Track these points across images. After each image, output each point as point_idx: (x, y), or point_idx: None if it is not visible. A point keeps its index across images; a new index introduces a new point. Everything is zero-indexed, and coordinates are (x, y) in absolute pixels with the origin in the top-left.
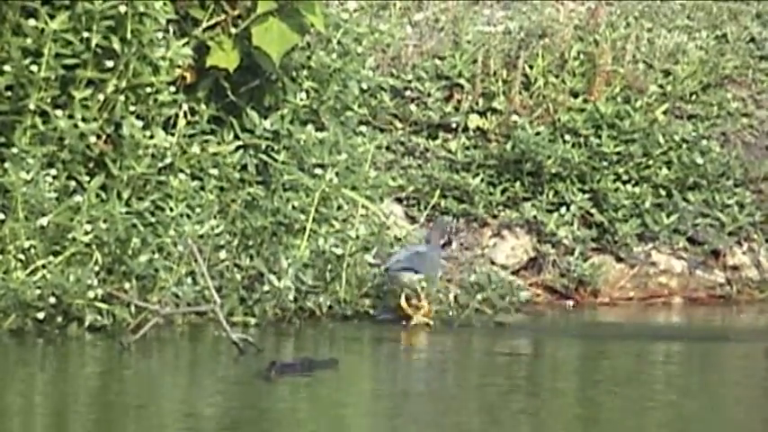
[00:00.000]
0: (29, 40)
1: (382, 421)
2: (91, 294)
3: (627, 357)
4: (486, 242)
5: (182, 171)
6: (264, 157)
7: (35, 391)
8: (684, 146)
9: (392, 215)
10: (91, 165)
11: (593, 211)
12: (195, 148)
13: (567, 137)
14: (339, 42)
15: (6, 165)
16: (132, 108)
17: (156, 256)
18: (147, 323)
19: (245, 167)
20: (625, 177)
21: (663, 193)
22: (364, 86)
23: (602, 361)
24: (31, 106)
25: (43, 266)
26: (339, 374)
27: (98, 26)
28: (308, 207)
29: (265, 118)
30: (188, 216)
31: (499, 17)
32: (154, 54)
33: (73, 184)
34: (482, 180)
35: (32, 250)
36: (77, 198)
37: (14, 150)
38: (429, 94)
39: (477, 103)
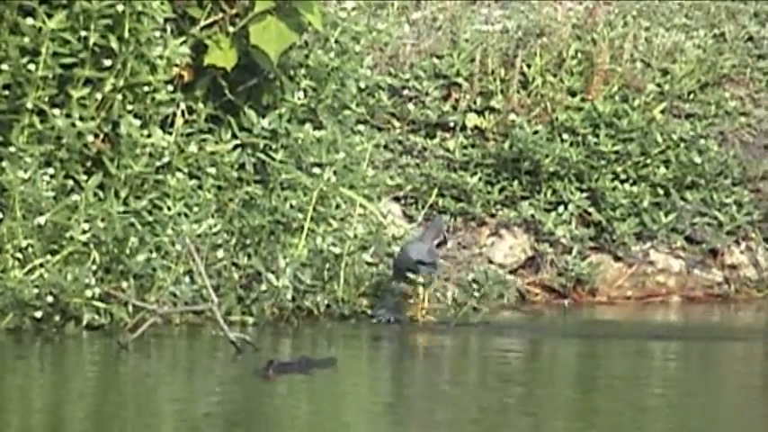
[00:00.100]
0: (26, 39)
1: (380, 420)
2: (88, 293)
3: (624, 356)
4: (484, 241)
5: (179, 170)
6: (262, 155)
7: (32, 389)
8: (682, 145)
9: (390, 214)
10: (88, 164)
11: (591, 210)
12: (193, 147)
13: (565, 136)
14: (337, 41)
15: (4, 164)
16: (130, 107)
17: (154, 255)
18: (145, 322)
19: (242, 166)
20: (623, 176)
21: (661, 192)
22: (362, 85)
23: (599, 360)
24: (29, 105)
25: (41, 265)
26: (337, 373)
27: (96, 25)
28: (306, 206)
29: (263, 117)
30: (186, 215)
31: (497, 16)
32: (151, 53)
33: (70, 182)
34: (480, 179)
35: (30, 249)
36: (75, 197)
37: (12, 149)
38: (427, 93)
39: (474, 102)
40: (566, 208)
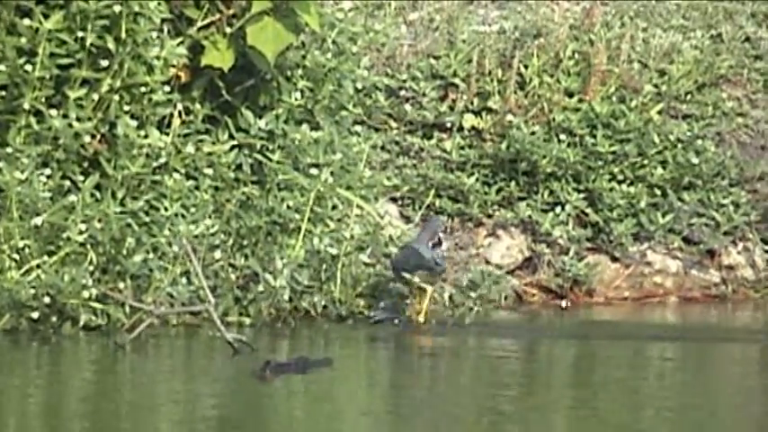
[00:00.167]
0: (23, 40)
1: (377, 421)
2: (85, 294)
3: (622, 357)
4: (481, 242)
5: (176, 171)
6: (259, 156)
7: (29, 390)
8: (680, 145)
9: (387, 215)
10: (85, 164)
11: (589, 210)
12: (190, 148)
13: (563, 136)
14: (334, 42)
15: (1, 164)
16: (127, 107)
17: (151, 255)
18: (142, 323)
19: (239, 167)
20: (620, 177)
21: (658, 192)
22: (359, 86)
23: (596, 361)
24: (26, 106)
25: (38, 266)
26: (334, 374)
27: (93, 26)
28: (303, 207)
29: (260, 117)
30: (183, 216)
31: (494, 17)
32: (148, 53)
33: (67, 183)
34: (477, 180)
35: (27, 250)
36: (72, 198)
37: (9, 150)
38: (424, 94)
39: (472, 103)
40: (563, 209)
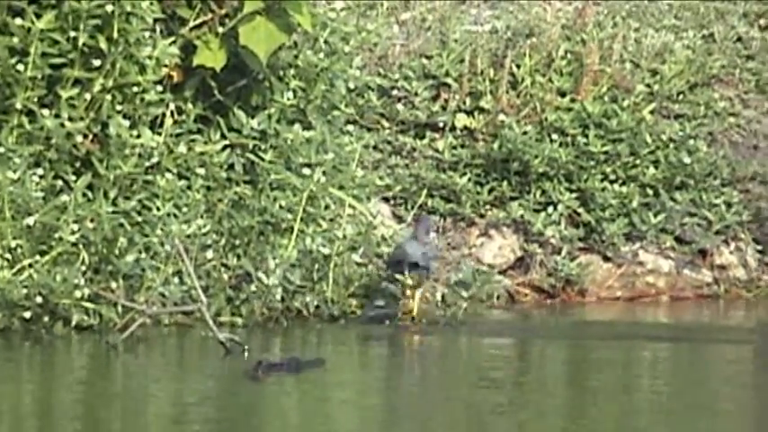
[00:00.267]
0: (15, 39)
1: (369, 420)
2: (78, 294)
3: (613, 356)
4: (474, 242)
5: (168, 170)
6: (251, 156)
7: (21, 390)
8: (672, 145)
9: (379, 215)
10: (77, 164)
11: (581, 210)
12: (182, 148)
13: (555, 136)
14: (326, 42)
15: None
16: (119, 107)
17: (143, 255)
18: (134, 323)
19: (232, 167)
20: (612, 177)
21: (650, 192)
22: (351, 86)
23: (588, 361)
24: (18, 105)
25: (30, 266)
26: (326, 374)
27: (85, 25)
28: (296, 206)
29: (252, 117)
30: (175, 215)
31: (486, 16)
32: (141, 53)
33: (60, 183)
34: (469, 179)
35: (19, 250)
36: (64, 197)
37: (1, 150)
38: (416, 94)
39: (464, 103)
40: (555, 208)
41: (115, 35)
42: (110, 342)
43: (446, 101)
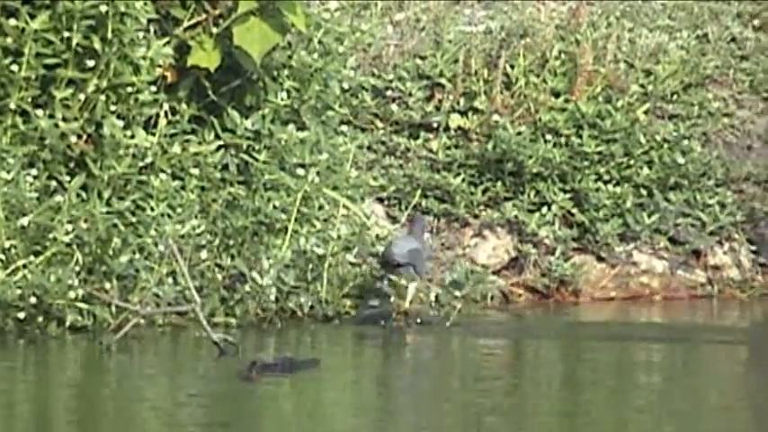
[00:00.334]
0: (9, 40)
1: (363, 421)
2: (71, 294)
3: (608, 357)
4: (468, 242)
5: (162, 171)
6: (245, 156)
7: (15, 390)
8: (666, 146)
9: (373, 215)
10: (71, 164)
11: (575, 210)
12: (176, 148)
13: (549, 136)
14: (320, 42)
15: None
16: (113, 108)
17: (137, 256)
18: (128, 323)
19: (226, 167)
20: (606, 177)
21: (644, 192)
22: (345, 86)
23: (582, 361)
24: (12, 106)
25: (24, 266)
26: (320, 374)
27: (79, 26)
28: (290, 207)
29: (246, 117)
30: (169, 216)
31: (480, 17)
32: (135, 54)
33: (54, 183)
34: (463, 180)
35: (13, 250)
36: (58, 198)
37: None
38: (410, 94)
39: (458, 103)
40: (549, 209)
41: (109, 35)
42: (104, 342)
43: (440, 101)
